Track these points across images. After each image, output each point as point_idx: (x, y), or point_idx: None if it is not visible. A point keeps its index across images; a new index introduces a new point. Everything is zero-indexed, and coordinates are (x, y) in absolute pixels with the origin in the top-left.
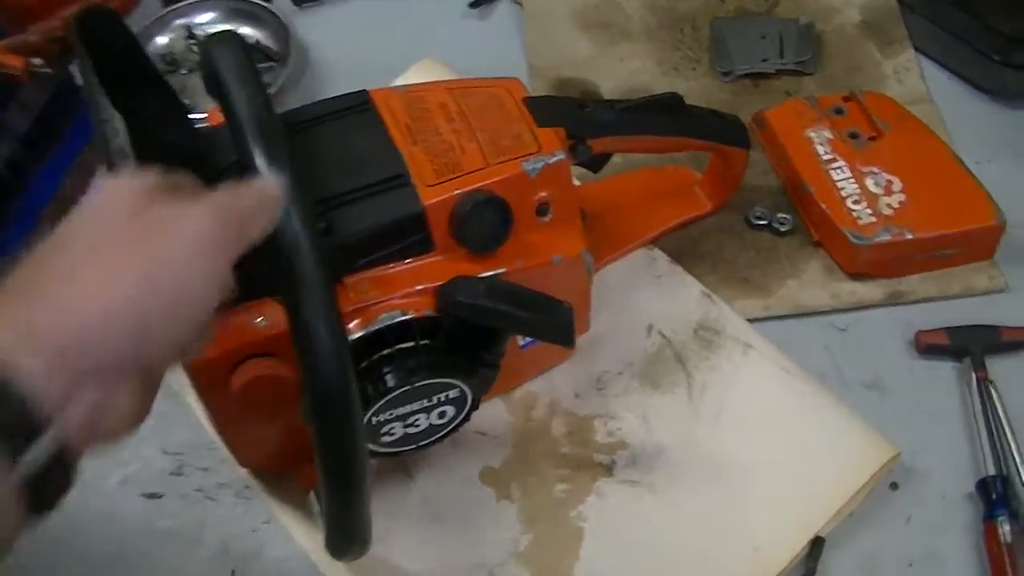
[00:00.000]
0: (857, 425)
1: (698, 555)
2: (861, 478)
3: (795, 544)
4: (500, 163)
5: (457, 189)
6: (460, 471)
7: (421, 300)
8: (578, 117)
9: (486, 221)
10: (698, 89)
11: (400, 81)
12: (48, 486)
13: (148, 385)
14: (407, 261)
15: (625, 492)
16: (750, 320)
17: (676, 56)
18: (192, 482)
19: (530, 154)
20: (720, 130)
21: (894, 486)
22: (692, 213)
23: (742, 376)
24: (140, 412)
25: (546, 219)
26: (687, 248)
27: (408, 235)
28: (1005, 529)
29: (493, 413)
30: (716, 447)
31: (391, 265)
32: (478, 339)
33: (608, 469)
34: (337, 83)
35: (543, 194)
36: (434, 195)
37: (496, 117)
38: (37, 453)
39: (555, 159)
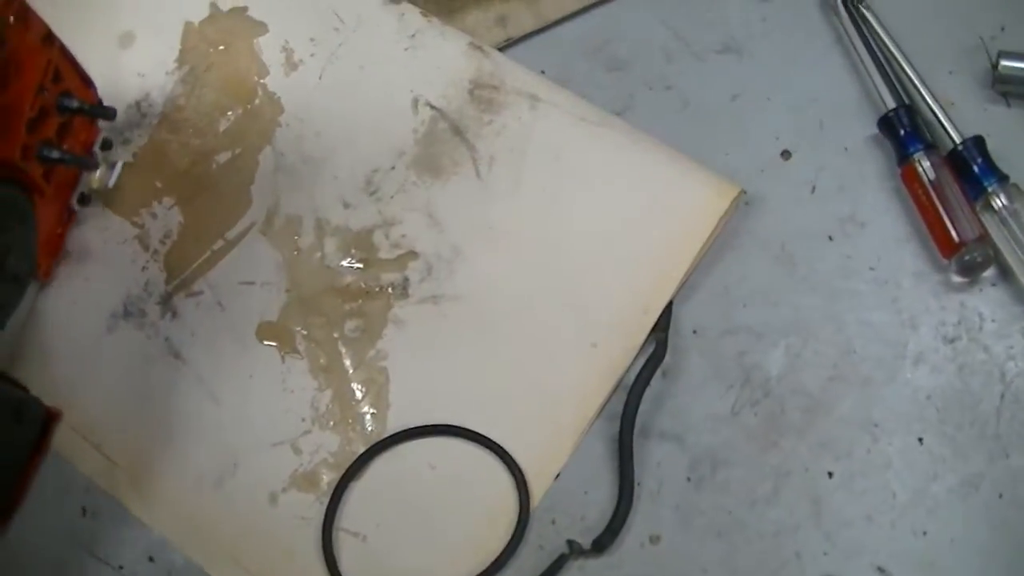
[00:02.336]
0: (684, 166)
1: (529, 365)
2: (702, 233)
3: (638, 329)
4: None
5: None
6: (232, 334)
7: None
8: None
9: None
10: None
11: None
12: None
13: None
14: None
15: (427, 312)
16: (543, 29)
17: None
18: None
19: None
20: None
21: (786, 155)
22: None
23: (535, 135)
24: None
25: None
26: None
27: None
28: (925, 165)
29: (254, 251)
30: (524, 229)
31: None
32: None
33: (402, 290)
34: None
35: None
36: None
37: None
38: None
39: None
